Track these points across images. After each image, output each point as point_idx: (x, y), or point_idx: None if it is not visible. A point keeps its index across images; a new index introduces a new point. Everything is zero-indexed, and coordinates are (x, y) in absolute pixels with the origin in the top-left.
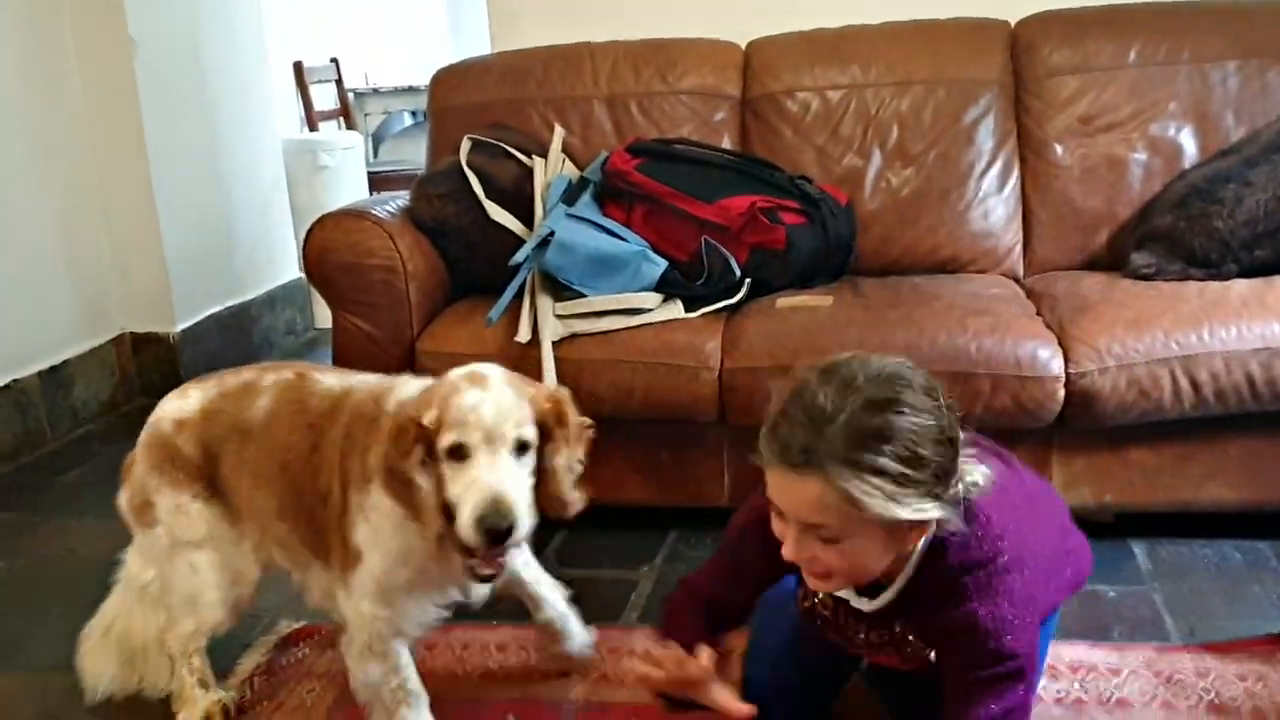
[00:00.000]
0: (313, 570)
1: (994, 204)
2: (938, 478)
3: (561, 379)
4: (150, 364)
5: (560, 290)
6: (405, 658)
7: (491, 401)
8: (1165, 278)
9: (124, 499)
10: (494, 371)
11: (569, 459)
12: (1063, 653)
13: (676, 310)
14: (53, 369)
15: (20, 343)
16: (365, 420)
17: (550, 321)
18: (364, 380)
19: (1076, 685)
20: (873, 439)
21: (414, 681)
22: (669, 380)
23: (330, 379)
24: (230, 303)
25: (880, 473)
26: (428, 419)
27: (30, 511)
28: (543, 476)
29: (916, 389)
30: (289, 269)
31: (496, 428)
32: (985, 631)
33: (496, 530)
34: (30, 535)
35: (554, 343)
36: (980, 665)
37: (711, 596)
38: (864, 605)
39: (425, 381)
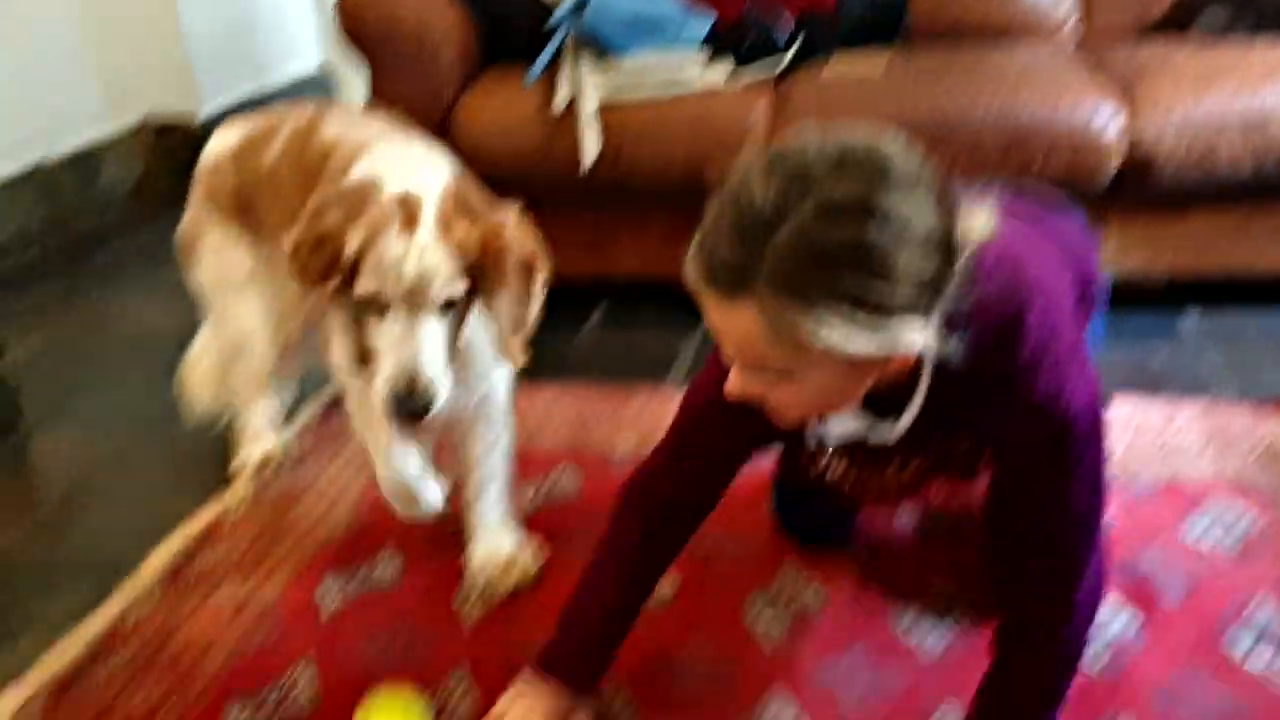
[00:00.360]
0: None
1: None
2: (922, 292)
3: (602, 147)
4: (177, 151)
5: (600, 54)
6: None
7: (415, 257)
8: (1233, 37)
9: (180, 230)
10: (429, 200)
11: (510, 304)
12: (1112, 408)
13: (722, 72)
14: (79, 155)
15: (44, 126)
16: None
17: (589, 89)
18: (356, 136)
19: (1127, 436)
20: (826, 256)
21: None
22: (713, 149)
23: (333, 129)
24: (254, 92)
25: (836, 298)
26: (349, 247)
27: (66, 289)
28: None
29: (894, 179)
30: (313, 58)
31: (419, 288)
32: (1044, 407)
33: (411, 410)
34: (67, 311)
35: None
36: (1047, 450)
37: (673, 497)
38: (888, 435)
39: (388, 154)
